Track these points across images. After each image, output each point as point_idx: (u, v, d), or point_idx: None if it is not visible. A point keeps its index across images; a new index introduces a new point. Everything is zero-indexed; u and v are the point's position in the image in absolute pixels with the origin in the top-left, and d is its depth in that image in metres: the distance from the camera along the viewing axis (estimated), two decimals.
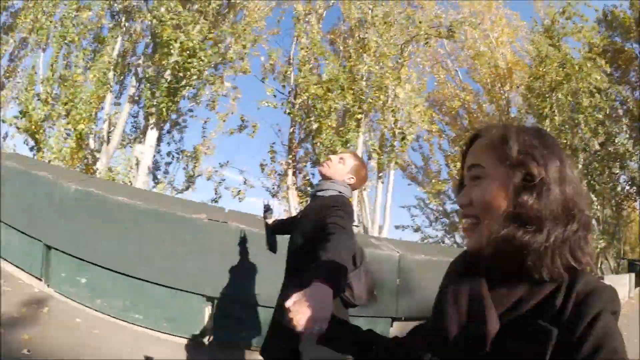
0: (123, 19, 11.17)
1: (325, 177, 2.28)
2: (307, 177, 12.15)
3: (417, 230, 18.14)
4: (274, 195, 13.02)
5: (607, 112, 11.92)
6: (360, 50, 9.79)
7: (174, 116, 12.36)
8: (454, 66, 16.12)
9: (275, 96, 10.86)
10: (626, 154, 12.23)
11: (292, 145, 11.58)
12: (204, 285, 4.08)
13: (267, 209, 2.88)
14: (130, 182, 10.76)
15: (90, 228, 4.21)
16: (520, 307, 0.73)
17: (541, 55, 11.31)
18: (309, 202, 2.39)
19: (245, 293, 4.07)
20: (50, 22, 10.64)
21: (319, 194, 2.22)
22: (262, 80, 11.34)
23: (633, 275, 18.90)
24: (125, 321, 4.07)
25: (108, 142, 11.03)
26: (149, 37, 11.30)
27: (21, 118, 9.97)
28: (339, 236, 1.79)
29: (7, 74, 14.77)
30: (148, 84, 10.37)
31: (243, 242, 4.14)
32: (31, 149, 10.46)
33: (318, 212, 2.07)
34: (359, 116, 9.56)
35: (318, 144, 9.81)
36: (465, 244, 0.86)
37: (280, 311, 1.64)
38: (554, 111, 11.18)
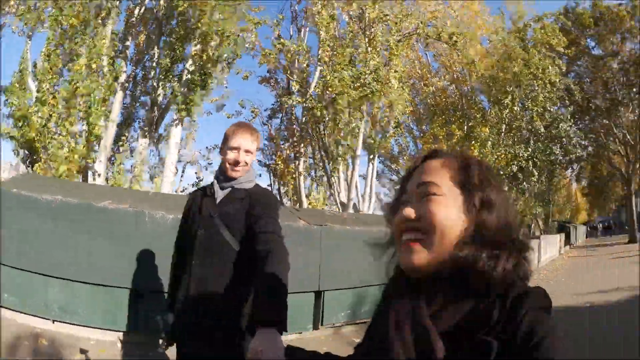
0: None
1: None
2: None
3: None
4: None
5: (555, 102, 14.88)
6: (369, 46, 10.89)
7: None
8: (424, 48, 17.24)
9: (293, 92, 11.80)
10: (567, 138, 15.45)
11: (294, 136, 12.88)
12: (129, 279, 4.09)
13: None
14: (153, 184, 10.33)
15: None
16: (461, 324, 0.73)
17: (508, 52, 13.67)
18: (216, 192, 2.16)
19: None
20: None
21: (237, 186, 2.12)
22: (284, 73, 12.41)
23: (563, 235, 23.03)
24: (57, 320, 4.11)
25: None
26: (154, 20, 10.39)
27: (20, 126, 8.30)
28: (281, 255, 1.78)
29: None
30: (170, 76, 9.49)
31: (163, 230, 4.13)
32: (26, 161, 8.65)
33: (244, 208, 2.04)
34: (364, 107, 10.73)
35: (329, 135, 11.13)
36: (405, 259, 0.82)
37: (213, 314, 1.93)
38: (513, 101, 13.76)
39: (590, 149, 23.54)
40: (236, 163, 2.08)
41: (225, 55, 9.34)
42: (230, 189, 2.13)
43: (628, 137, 22.93)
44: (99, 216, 4.19)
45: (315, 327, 5.41)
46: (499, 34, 14.41)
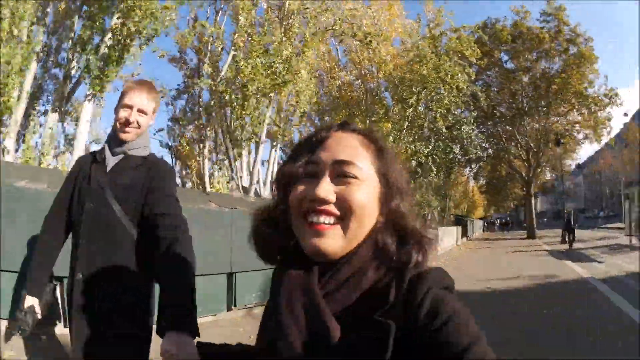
0: None
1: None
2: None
3: None
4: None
5: (459, 105, 16.33)
6: (284, 36, 11.18)
7: None
8: (336, 43, 17.64)
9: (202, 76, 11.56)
10: (468, 139, 17.08)
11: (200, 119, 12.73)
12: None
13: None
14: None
15: None
16: (357, 304, 0.71)
17: (420, 56, 14.68)
18: (107, 158, 1.87)
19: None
20: None
21: (131, 152, 1.86)
22: (198, 54, 12.27)
23: (460, 227, 25.34)
24: None
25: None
26: None
27: None
28: (187, 244, 1.66)
29: None
30: (87, 48, 8.84)
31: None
32: None
33: (140, 180, 1.80)
34: (272, 94, 11.05)
35: (238, 120, 11.12)
36: (314, 244, 0.72)
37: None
38: (418, 101, 14.86)
39: (490, 151, 25.95)
40: (127, 123, 1.82)
41: (146, 31, 9.00)
42: (122, 155, 1.86)
43: (531, 144, 25.39)
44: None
45: (229, 309, 5.57)
46: (412, 37, 15.32)
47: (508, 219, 47.77)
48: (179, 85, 14.92)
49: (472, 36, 16.54)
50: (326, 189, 0.74)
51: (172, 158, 15.49)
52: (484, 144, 21.78)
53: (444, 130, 15.93)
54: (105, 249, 1.75)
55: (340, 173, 0.76)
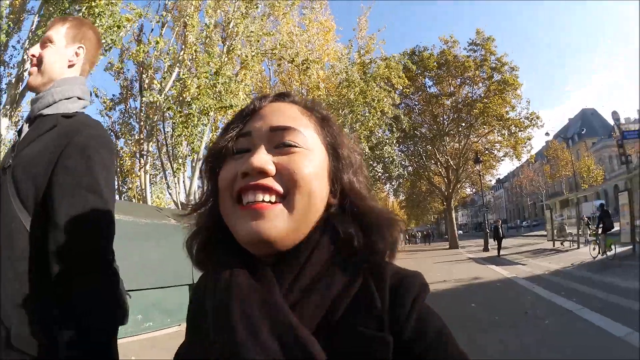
0: None
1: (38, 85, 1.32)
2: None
3: None
4: None
5: (383, 128, 18.21)
6: (225, 57, 11.93)
7: None
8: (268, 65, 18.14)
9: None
10: (390, 159, 19.07)
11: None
12: None
13: None
14: None
15: None
16: (330, 317, 0.57)
17: (349, 81, 16.01)
18: (24, 126, 1.33)
19: None
20: None
21: (42, 109, 1.29)
22: (140, 67, 12.78)
23: None
24: None
25: None
26: None
27: None
28: (104, 263, 1.14)
29: None
30: None
31: None
32: None
33: (49, 151, 1.18)
34: (212, 113, 11.42)
35: (179, 136, 11.40)
36: (251, 228, 0.58)
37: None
38: (344, 122, 16.33)
39: (410, 168, 28.26)
40: (32, 60, 1.34)
41: (105, 41, 8.78)
42: (34, 117, 1.30)
43: (450, 162, 27.97)
44: None
45: None
46: (342, 62, 16.47)
47: (429, 230, 50.93)
48: (113, 95, 14.90)
49: (399, 64, 17.96)
50: (263, 158, 0.60)
51: None
52: (404, 162, 23.95)
53: (367, 150, 17.60)
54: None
55: (279, 142, 0.62)
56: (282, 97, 0.73)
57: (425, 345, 0.55)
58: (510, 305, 7.47)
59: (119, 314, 1.20)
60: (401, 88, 18.31)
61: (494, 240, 20.11)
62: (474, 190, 35.28)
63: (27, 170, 1.19)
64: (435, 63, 25.56)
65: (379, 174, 19.77)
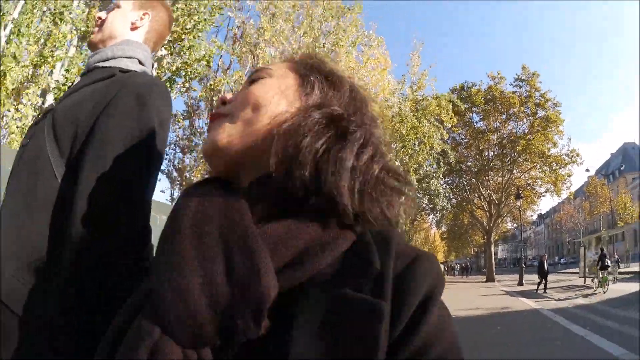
0: None
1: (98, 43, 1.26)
2: None
3: None
4: None
5: (432, 162, 18.87)
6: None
7: None
8: None
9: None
10: (435, 192, 19.64)
11: None
12: None
13: None
14: None
15: None
16: (309, 260, 0.48)
17: (402, 116, 17.15)
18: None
19: None
20: None
21: (98, 61, 1.18)
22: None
23: None
24: None
25: None
26: None
27: None
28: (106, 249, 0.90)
29: None
30: None
31: None
32: None
33: (94, 100, 1.04)
34: None
35: None
36: (205, 141, 0.63)
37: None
38: (395, 156, 17.12)
39: (454, 200, 28.67)
40: (97, 21, 1.30)
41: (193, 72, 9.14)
42: (88, 70, 1.20)
43: (493, 196, 28.24)
44: None
45: None
46: (395, 96, 17.22)
47: (467, 263, 50.91)
48: (179, 110, 14.98)
49: (449, 103, 18.84)
50: (225, 94, 0.69)
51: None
52: (448, 194, 24.45)
53: (415, 183, 18.24)
54: (21, 195, 1.03)
55: (249, 81, 0.67)
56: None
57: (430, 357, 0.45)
58: (531, 329, 8.58)
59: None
60: (450, 126, 19.03)
61: (539, 276, 19.17)
62: (514, 225, 35.24)
63: (69, 114, 1.05)
64: (482, 99, 26.27)
65: (424, 205, 20.26)
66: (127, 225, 0.94)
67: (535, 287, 19.25)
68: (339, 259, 0.50)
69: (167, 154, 15.61)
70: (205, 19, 9.14)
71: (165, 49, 9.03)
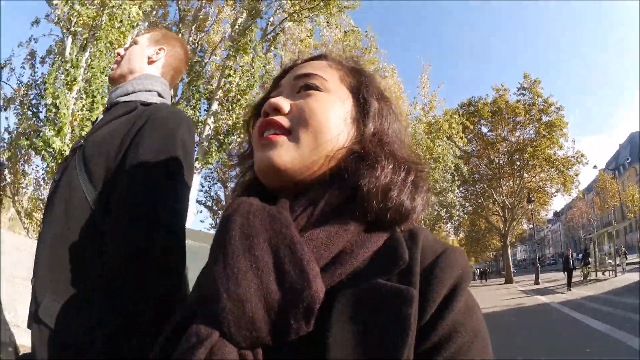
0: None
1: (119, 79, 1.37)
2: None
3: None
4: None
5: (446, 179, 20.44)
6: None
7: None
8: None
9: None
10: (451, 204, 21.27)
11: None
12: None
13: None
14: None
15: None
16: (346, 259, 0.56)
17: (416, 138, 18.07)
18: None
19: None
20: None
21: (119, 97, 1.28)
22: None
23: None
24: None
25: None
26: None
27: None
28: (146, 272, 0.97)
29: None
30: None
31: None
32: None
33: (121, 132, 1.12)
34: None
35: None
36: (263, 157, 0.65)
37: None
38: None
39: (470, 208, 30.37)
40: (117, 57, 1.42)
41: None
42: (111, 105, 1.30)
43: (506, 201, 29.78)
44: None
45: None
46: (407, 119, 18.41)
47: (486, 268, 51.68)
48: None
49: (459, 125, 20.44)
50: (280, 100, 0.68)
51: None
52: (464, 203, 26.01)
53: (432, 198, 19.68)
54: (56, 225, 1.10)
55: (301, 87, 0.70)
56: (314, 57, 0.78)
57: (453, 348, 0.50)
58: (539, 318, 10.80)
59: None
60: (462, 145, 20.73)
61: (564, 272, 19.38)
62: (530, 226, 36.45)
63: (99, 147, 1.11)
64: (489, 111, 28.06)
65: (442, 215, 21.87)
66: (161, 252, 0.97)
67: (552, 284, 20.81)
68: (372, 256, 0.57)
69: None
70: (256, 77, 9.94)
71: (222, 106, 10.25)
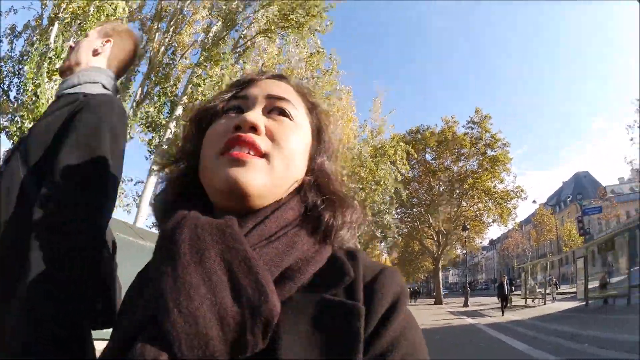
0: None
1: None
2: None
3: None
4: None
5: (385, 201, 21.43)
6: None
7: None
8: None
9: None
10: (387, 226, 22.35)
11: None
12: None
13: None
14: None
15: None
16: (294, 275, 0.57)
17: (361, 160, 18.89)
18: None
19: None
20: None
21: (65, 89, 1.30)
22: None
23: None
24: None
25: None
26: None
27: None
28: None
29: None
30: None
31: None
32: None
33: (57, 123, 1.17)
34: None
35: None
36: (234, 173, 0.60)
37: None
38: (354, 197, 19.01)
39: (405, 230, 31.90)
40: (68, 51, 1.46)
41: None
42: (57, 97, 1.32)
43: (442, 227, 31.36)
44: None
45: None
46: (355, 139, 19.54)
47: (416, 288, 53.35)
48: None
49: (404, 152, 21.22)
50: (257, 115, 0.66)
51: None
52: (399, 226, 27.21)
53: (370, 218, 20.45)
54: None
55: (274, 108, 0.69)
56: (278, 76, 0.77)
57: (398, 356, 0.52)
58: (464, 337, 11.15)
59: (97, 309, 1.07)
60: (404, 171, 21.71)
61: (498, 298, 19.61)
62: (464, 251, 38.27)
63: (37, 138, 1.16)
64: (435, 141, 29.51)
65: (377, 235, 22.88)
66: (81, 227, 1.00)
67: (480, 307, 21.83)
68: (317, 272, 0.58)
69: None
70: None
71: (186, 111, 10.23)
